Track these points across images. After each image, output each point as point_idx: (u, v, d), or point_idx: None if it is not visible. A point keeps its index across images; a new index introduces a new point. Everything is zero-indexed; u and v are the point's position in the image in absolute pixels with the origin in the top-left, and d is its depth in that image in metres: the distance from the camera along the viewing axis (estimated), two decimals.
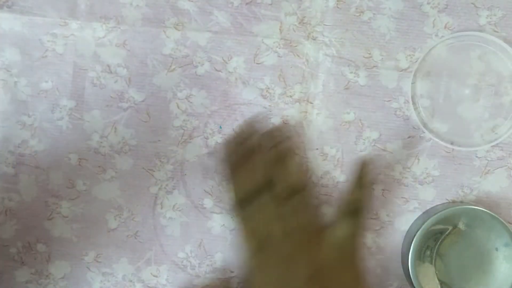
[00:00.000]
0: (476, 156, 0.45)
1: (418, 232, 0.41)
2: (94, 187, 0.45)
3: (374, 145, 0.45)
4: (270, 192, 0.40)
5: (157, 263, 0.45)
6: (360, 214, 0.41)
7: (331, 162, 0.45)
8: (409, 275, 0.41)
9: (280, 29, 0.45)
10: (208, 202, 0.45)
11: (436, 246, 0.42)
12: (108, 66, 0.45)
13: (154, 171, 0.45)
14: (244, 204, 0.40)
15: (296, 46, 0.45)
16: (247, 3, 0.45)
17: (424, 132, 0.45)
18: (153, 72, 0.45)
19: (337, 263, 0.38)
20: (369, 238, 0.45)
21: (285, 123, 0.44)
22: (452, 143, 0.44)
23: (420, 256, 0.42)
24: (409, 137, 0.45)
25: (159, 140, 0.45)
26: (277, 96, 0.45)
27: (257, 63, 0.45)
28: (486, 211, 0.41)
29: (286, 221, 0.39)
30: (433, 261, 0.42)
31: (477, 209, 0.42)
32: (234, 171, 0.42)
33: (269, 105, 0.45)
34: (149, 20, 0.45)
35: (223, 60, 0.45)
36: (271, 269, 0.38)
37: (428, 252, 0.43)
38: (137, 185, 0.45)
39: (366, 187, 0.43)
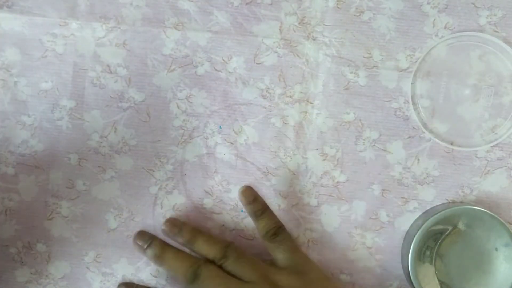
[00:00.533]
0: (476, 156, 0.45)
1: (418, 233, 0.41)
2: (94, 187, 0.45)
3: (374, 145, 0.45)
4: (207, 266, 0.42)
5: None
6: (278, 232, 0.43)
7: (331, 162, 0.45)
8: (409, 275, 0.41)
9: (280, 29, 0.45)
10: (208, 202, 0.45)
11: (436, 246, 0.42)
12: (108, 66, 0.45)
13: (154, 171, 0.45)
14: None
15: (296, 46, 0.45)
16: (247, 3, 0.45)
17: (424, 132, 0.45)
18: (153, 72, 0.45)
19: (302, 284, 0.41)
20: (369, 238, 0.45)
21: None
22: (452, 143, 0.44)
23: (420, 257, 0.42)
24: (409, 137, 0.45)
25: (159, 140, 0.45)
26: (277, 96, 0.45)
27: (257, 63, 0.45)
28: (486, 211, 0.41)
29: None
30: (433, 261, 0.42)
31: (477, 209, 0.42)
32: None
33: (269, 105, 0.45)
34: (149, 20, 0.45)
35: (223, 60, 0.45)
36: None
37: (428, 252, 0.43)
38: (137, 185, 0.45)
39: (258, 212, 0.44)
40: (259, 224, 0.43)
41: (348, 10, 0.45)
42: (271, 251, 0.43)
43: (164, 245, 0.44)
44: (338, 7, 0.45)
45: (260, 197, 0.45)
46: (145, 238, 0.44)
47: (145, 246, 0.44)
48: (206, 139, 0.45)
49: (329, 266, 0.45)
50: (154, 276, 0.45)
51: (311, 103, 0.45)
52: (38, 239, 0.45)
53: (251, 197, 0.44)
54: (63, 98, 0.45)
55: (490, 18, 0.44)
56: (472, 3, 0.44)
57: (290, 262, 0.42)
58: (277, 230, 0.43)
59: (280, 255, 0.42)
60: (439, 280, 0.42)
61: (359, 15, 0.45)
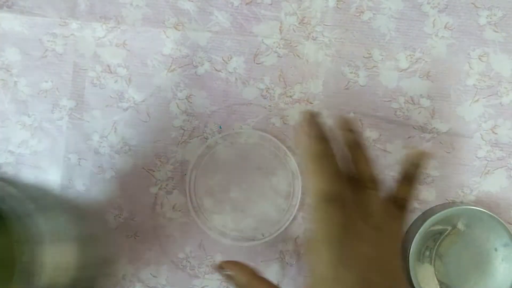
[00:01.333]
0: (476, 156, 0.45)
1: (418, 233, 0.41)
2: (94, 187, 0.45)
3: (374, 145, 0.45)
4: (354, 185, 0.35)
5: (157, 263, 0.45)
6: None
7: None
8: (409, 275, 0.41)
9: (280, 29, 0.45)
10: (208, 202, 0.45)
11: (436, 247, 0.42)
12: (108, 66, 0.45)
13: (154, 171, 0.45)
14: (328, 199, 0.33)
15: (296, 46, 0.45)
16: (247, 3, 0.45)
17: (424, 132, 0.45)
18: (153, 72, 0.45)
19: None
20: None
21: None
22: (452, 143, 0.44)
23: (419, 257, 0.42)
24: (409, 137, 0.45)
25: (159, 140, 0.45)
26: (277, 96, 0.45)
27: (257, 63, 0.45)
28: (485, 212, 0.41)
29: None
30: (433, 261, 0.42)
31: (476, 209, 0.42)
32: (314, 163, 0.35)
33: (269, 105, 0.45)
34: (149, 20, 0.45)
35: (223, 60, 0.45)
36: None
37: (427, 253, 0.43)
38: (137, 185, 0.45)
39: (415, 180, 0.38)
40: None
41: (348, 10, 0.45)
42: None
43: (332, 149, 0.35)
44: (338, 7, 0.45)
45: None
46: (317, 128, 0.35)
47: (316, 136, 0.34)
48: (206, 139, 0.45)
49: None
50: (154, 276, 0.45)
51: (311, 103, 0.45)
52: None
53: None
54: (63, 98, 0.45)
55: (490, 18, 0.44)
56: (472, 3, 0.44)
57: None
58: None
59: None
60: (438, 280, 0.42)
61: (359, 15, 0.45)
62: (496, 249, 0.42)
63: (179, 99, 0.45)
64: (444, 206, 0.43)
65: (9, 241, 0.28)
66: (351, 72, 0.45)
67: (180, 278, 0.45)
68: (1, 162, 0.45)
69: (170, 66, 0.45)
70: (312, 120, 0.35)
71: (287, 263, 0.45)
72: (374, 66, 0.45)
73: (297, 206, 0.45)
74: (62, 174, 0.45)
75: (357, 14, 0.45)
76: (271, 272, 0.45)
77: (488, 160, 0.44)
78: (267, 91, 0.45)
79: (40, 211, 0.29)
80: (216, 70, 0.45)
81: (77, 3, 0.45)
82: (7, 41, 0.45)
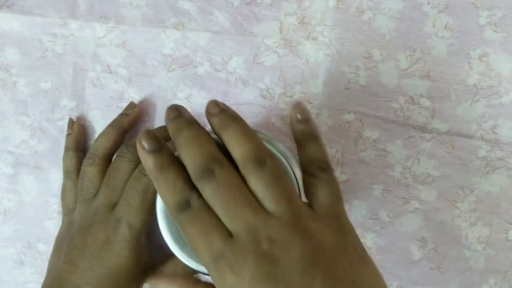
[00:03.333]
0: (476, 157, 0.45)
1: None
2: None
3: (374, 145, 0.45)
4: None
5: None
6: (326, 168, 0.33)
7: (331, 162, 0.45)
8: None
9: (280, 29, 0.45)
10: None
11: None
12: (108, 66, 0.45)
13: None
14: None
15: (296, 46, 0.45)
16: (247, 3, 0.45)
17: (424, 132, 0.45)
18: (153, 72, 0.45)
19: (337, 244, 0.29)
20: (369, 238, 0.45)
21: None
22: (452, 143, 0.45)
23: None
24: (409, 137, 0.45)
25: None
26: (277, 96, 0.45)
27: (257, 63, 0.45)
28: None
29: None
30: None
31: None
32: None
33: (269, 105, 0.45)
34: (149, 20, 0.45)
35: (223, 60, 0.45)
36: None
37: None
38: None
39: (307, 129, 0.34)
40: (305, 152, 0.33)
41: (348, 10, 0.45)
42: (311, 188, 0.32)
43: (174, 157, 0.31)
44: (338, 7, 0.45)
45: (314, 121, 0.34)
46: (153, 141, 0.31)
47: (151, 150, 0.31)
48: None
49: None
50: None
51: (311, 103, 0.45)
52: (38, 239, 0.45)
53: (305, 115, 0.34)
54: (63, 98, 0.45)
55: (490, 18, 0.44)
56: (472, 3, 0.44)
57: (331, 210, 0.31)
58: (326, 166, 0.33)
59: (321, 196, 0.31)
60: None
61: (359, 15, 0.45)
62: None
63: (179, 99, 0.45)
64: None
65: None
66: (351, 72, 0.45)
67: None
68: (1, 162, 0.45)
69: (170, 66, 0.45)
70: (148, 133, 0.31)
71: None
72: (374, 66, 0.45)
73: None
74: (62, 174, 0.45)
75: (357, 14, 0.45)
76: None
77: (488, 160, 0.44)
78: (267, 91, 0.45)
79: None
80: (216, 70, 0.45)
81: (76, 3, 0.45)
82: (7, 41, 0.45)
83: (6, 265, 0.45)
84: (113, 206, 0.39)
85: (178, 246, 0.33)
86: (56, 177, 0.45)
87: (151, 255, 0.40)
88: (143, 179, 0.39)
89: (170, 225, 0.33)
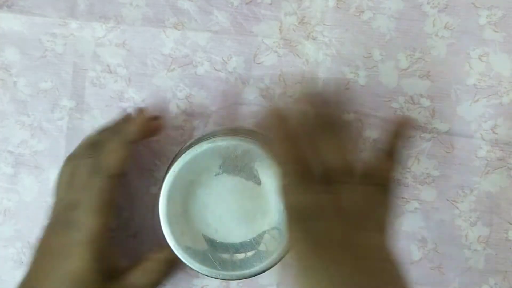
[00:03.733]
0: (476, 156, 0.45)
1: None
2: None
3: (374, 145, 0.45)
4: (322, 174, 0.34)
5: None
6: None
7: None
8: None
9: (280, 29, 0.45)
10: None
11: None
12: (108, 66, 0.45)
13: (154, 171, 0.45)
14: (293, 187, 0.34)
15: (296, 46, 0.45)
16: (247, 3, 0.45)
17: (424, 132, 0.45)
18: (153, 72, 0.45)
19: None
20: None
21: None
22: (452, 143, 0.44)
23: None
24: (409, 137, 0.45)
25: (159, 140, 0.45)
26: (277, 96, 0.45)
27: (257, 63, 0.45)
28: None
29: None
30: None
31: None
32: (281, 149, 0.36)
33: (269, 105, 0.45)
34: (149, 20, 0.45)
35: (223, 60, 0.45)
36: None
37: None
38: (137, 185, 0.45)
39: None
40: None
41: (348, 10, 0.45)
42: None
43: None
44: (338, 7, 0.45)
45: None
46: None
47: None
48: None
49: None
50: None
51: (310, 103, 0.45)
52: (38, 239, 0.45)
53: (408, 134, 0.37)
54: (63, 98, 0.45)
55: (490, 18, 0.44)
56: (472, 3, 0.44)
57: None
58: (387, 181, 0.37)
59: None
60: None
61: (359, 15, 0.45)
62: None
63: (178, 99, 0.45)
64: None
65: None
66: (351, 72, 0.45)
67: (180, 277, 0.45)
68: (1, 162, 0.45)
69: (170, 66, 0.45)
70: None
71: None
72: (374, 66, 0.45)
73: None
74: None
75: (357, 14, 0.45)
76: (270, 272, 0.44)
77: (488, 160, 0.44)
78: (267, 91, 0.45)
79: None
80: (216, 70, 0.45)
81: (76, 3, 0.45)
82: (7, 41, 0.45)
83: (6, 265, 0.45)
84: (73, 207, 0.37)
85: (181, 249, 0.34)
86: (56, 177, 0.45)
87: (118, 262, 0.39)
88: (97, 179, 0.37)
89: (172, 224, 0.34)
